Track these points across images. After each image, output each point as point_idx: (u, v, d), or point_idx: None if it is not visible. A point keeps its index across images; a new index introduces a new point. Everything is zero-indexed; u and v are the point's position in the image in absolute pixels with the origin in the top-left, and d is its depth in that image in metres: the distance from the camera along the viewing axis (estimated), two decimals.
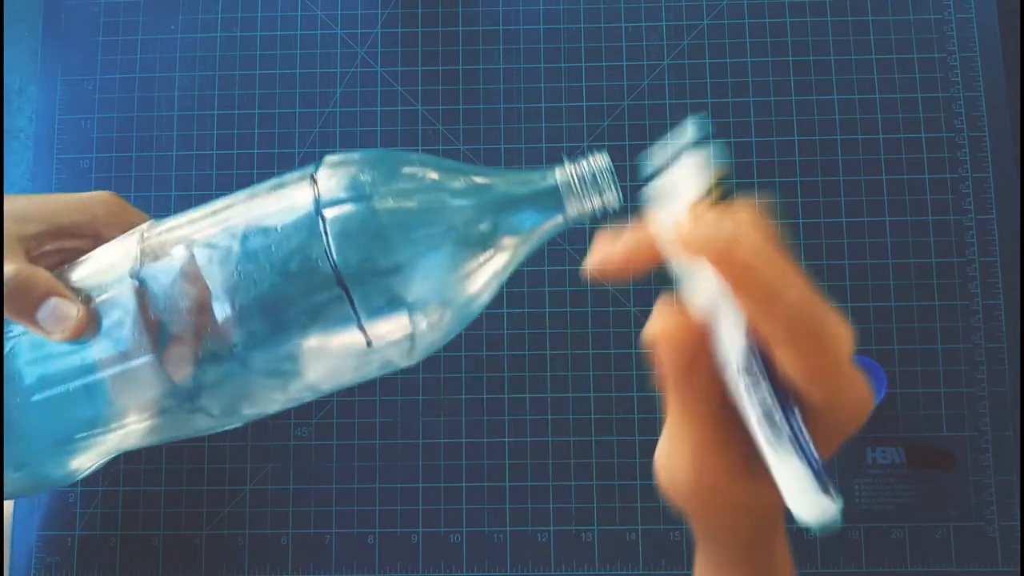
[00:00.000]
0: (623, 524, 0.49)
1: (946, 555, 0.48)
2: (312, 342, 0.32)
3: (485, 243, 0.32)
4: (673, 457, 0.25)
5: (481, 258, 0.32)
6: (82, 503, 0.50)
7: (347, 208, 0.31)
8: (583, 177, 0.32)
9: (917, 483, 0.48)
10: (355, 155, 0.34)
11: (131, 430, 0.35)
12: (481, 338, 0.50)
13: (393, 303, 0.31)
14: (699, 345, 0.24)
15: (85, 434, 0.35)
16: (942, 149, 0.51)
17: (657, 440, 0.27)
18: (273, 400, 0.35)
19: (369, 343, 0.32)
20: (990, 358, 0.49)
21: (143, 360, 0.32)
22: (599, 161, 0.33)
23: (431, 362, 0.50)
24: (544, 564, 0.49)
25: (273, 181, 0.34)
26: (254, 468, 0.50)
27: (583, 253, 0.51)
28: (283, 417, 0.50)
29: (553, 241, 0.50)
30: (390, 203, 0.31)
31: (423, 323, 0.32)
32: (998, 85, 0.52)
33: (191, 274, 0.32)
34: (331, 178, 0.32)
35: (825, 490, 0.22)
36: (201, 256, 0.32)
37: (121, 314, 0.33)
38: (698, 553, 0.30)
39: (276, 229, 0.31)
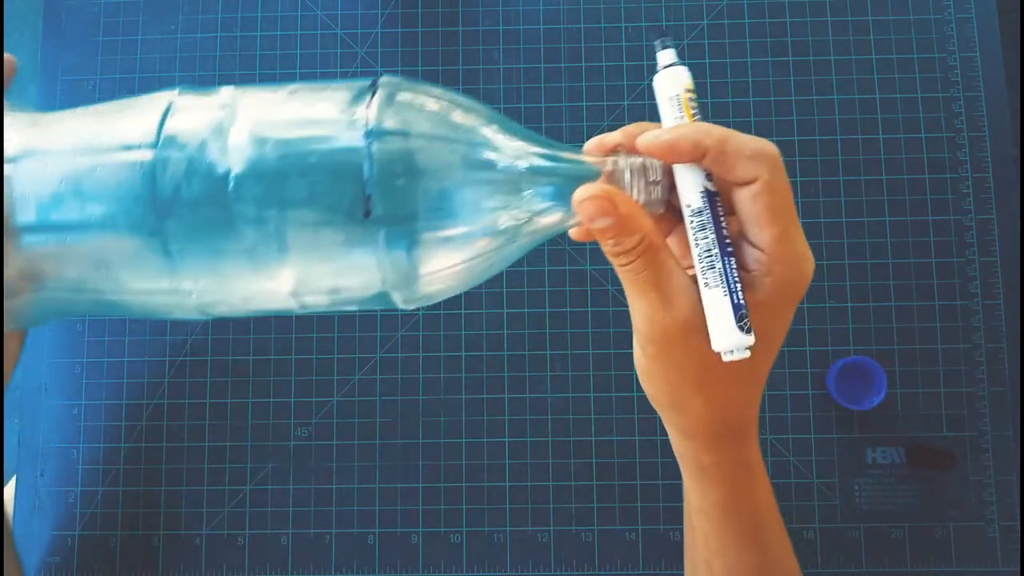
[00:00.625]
0: (623, 524, 0.49)
1: (946, 555, 0.48)
2: (310, 216, 0.31)
3: (516, 207, 0.32)
4: (635, 318, 0.29)
5: (507, 217, 0.32)
6: (82, 503, 0.50)
7: (393, 141, 0.31)
8: (635, 170, 0.32)
9: (917, 483, 0.48)
10: (425, 89, 0.33)
11: (83, 246, 0.33)
12: (481, 338, 0.50)
13: (407, 229, 0.31)
14: (630, 207, 0.28)
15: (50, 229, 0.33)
16: (942, 149, 0.51)
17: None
18: (237, 272, 0.32)
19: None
20: (990, 358, 0.49)
21: (141, 153, 0.32)
22: (655, 162, 0.33)
23: (431, 362, 0.50)
24: (544, 564, 0.49)
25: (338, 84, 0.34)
26: (254, 468, 0.50)
27: (583, 253, 0.51)
28: (283, 417, 0.50)
29: (553, 241, 0.50)
30: (436, 146, 0.31)
31: (426, 262, 0.32)
32: (998, 85, 0.52)
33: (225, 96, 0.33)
34: (388, 105, 0.32)
35: (742, 326, 0.27)
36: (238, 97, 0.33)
37: (146, 113, 0.33)
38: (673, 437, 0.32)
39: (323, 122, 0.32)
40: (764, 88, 0.52)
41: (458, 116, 0.32)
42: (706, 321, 0.27)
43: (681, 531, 0.48)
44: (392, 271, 0.31)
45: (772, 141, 0.52)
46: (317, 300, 0.34)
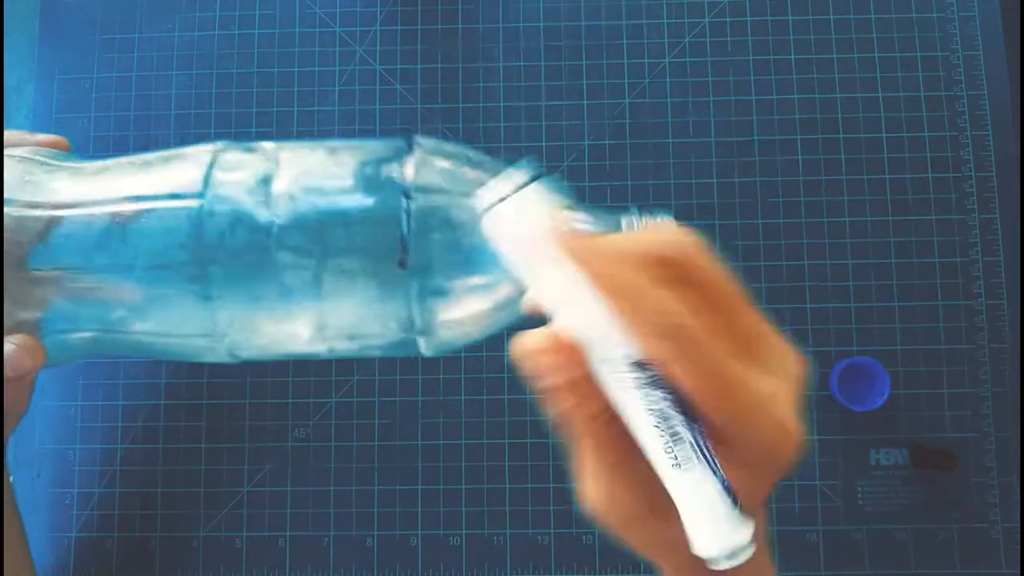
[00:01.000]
0: None
1: (949, 557, 0.48)
2: (348, 264, 0.32)
3: None
4: (587, 490, 0.23)
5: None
6: (79, 505, 0.50)
7: (429, 197, 0.33)
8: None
9: (920, 484, 0.48)
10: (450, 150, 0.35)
11: (125, 290, 0.34)
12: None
13: (439, 279, 0.32)
14: (576, 359, 0.21)
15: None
16: (945, 148, 0.51)
17: None
18: (273, 318, 0.33)
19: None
20: (993, 359, 0.49)
21: (187, 202, 0.33)
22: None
23: (430, 363, 0.50)
24: (544, 567, 0.48)
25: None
26: (251, 470, 0.50)
27: None
28: (281, 418, 0.50)
29: None
30: (467, 202, 0.33)
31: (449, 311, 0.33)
32: (1001, 84, 0.51)
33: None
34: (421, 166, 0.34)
35: (737, 509, 0.20)
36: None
37: (192, 165, 0.35)
38: None
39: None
40: (766, 86, 0.52)
41: (484, 175, 0.34)
42: (681, 517, 0.20)
43: None
44: (421, 318, 0.33)
45: (774, 140, 0.52)
46: (347, 346, 0.35)
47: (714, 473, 0.20)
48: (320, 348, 0.35)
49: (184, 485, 0.50)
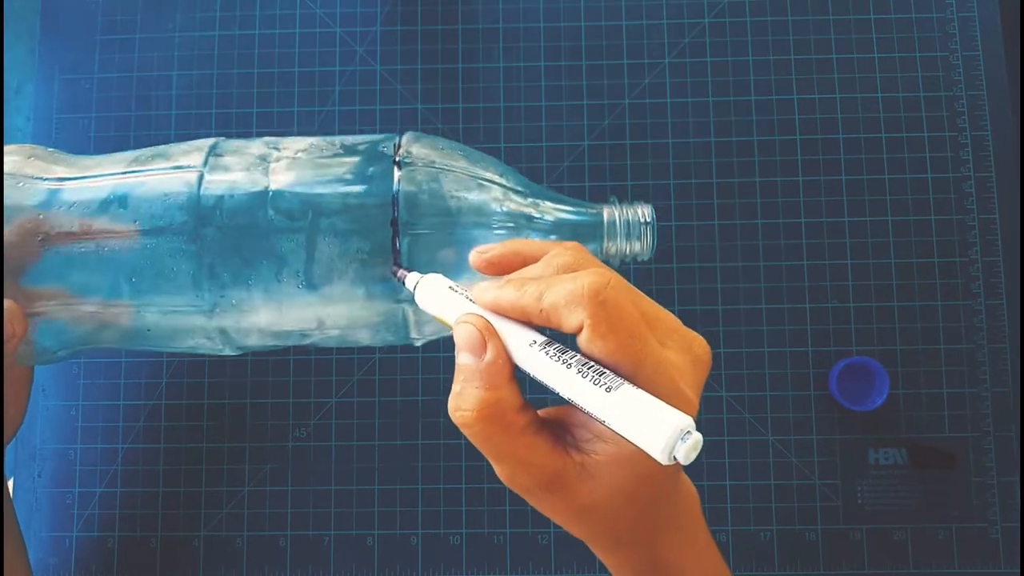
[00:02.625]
0: None
1: (948, 556, 0.48)
2: (345, 226, 0.34)
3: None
4: (503, 476, 0.27)
5: None
6: (80, 504, 0.50)
7: (417, 172, 0.34)
8: (628, 221, 0.35)
9: (919, 484, 0.48)
10: (439, 142, 0.37)
11: (122, 255, 0.35)
12: None
13: (426, 259, 0.33)
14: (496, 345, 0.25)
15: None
16: (944, 148, 0.51)
17: None
18: (265, 289, 0.34)
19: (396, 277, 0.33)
20: (993, 358, 0.49)
21: (189, 172, 0.35)
22: (646, 212, 0.35)
23: (430, 362, 0.50)
24: (544, 566, 0.48)
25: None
26: (252, 469, 0.50)
27: None
28: (281, 418, 0.50)
29: None
30: (449, 185, 0.34)
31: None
32: (1001, 84, 0.51)
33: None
34: (411, 146, 0.36)
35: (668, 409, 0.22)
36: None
37: (194, 149, 0.37)
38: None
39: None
40: (766, 87, 0.52)
41: (476, 168, 0.35)
42: (625, 432, 0.23)
43: None
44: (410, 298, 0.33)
45: (774, 140, 0.52)
46: (336, 320, 0.35)
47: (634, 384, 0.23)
48: (312, 326, 0.36)
49: (185, 484, 0.50)
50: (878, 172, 0.51)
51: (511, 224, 0.35)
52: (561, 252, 0.27)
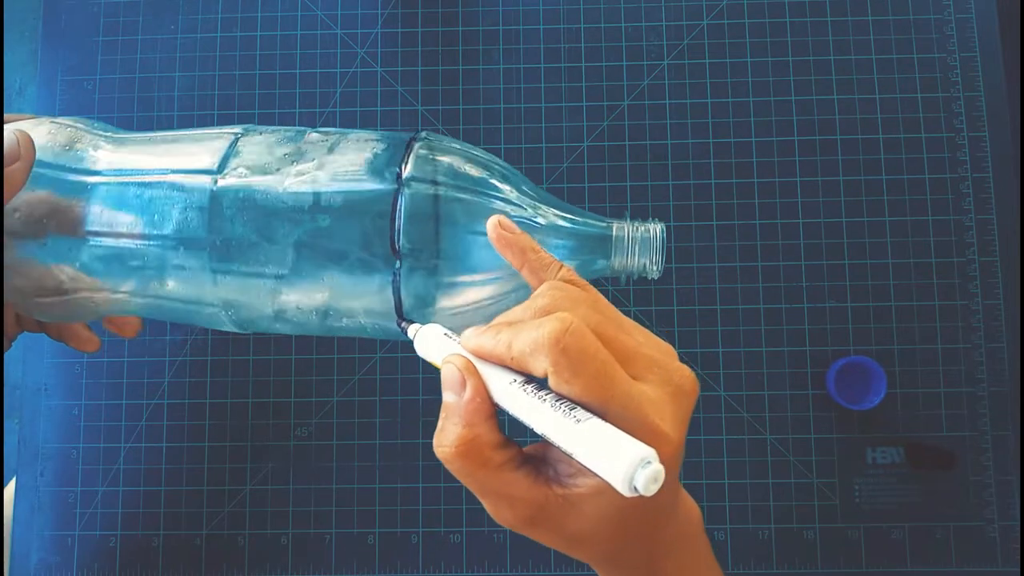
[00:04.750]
0: None
1: (946, 555, 0.48)
2: (340, 234, 0.34)
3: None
4: (490, 509, 0.28)
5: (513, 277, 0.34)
6: (82, 503, 0.50)
7: (421, 187, 0.34)
8: (637, 238, 0.35)
9: (917, 483, 0.48)
10: (449, 147, 0.37)
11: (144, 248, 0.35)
12: None
13: (427, 266, 0.34)
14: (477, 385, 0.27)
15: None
16: (942, 149, 0.51)
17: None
18: (261, 258, 0.35)
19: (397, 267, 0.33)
20: (990, 358, 0.49)
21: (206, 177, 0.35)
22: (657, 231, 0.35)
23: None
24: (544, 564, 0.49)
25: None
26: (254, 468, 0.50)
27: None
28: (283, 417, 0.50)
29: None
30: (457, 199, 0.34)
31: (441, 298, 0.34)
32: (998, 85, 0.52)
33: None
34: (419, 162, 0.35)
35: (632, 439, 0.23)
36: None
37: (215, 143, 0.37)
38: None
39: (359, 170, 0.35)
40: (764, 88, 0.52)
41: (480, 171, 0.36)
42: (588, 464, 0.24)
43: None
44: (409, 301, 0.34)
45: (772, 141, 0.52)
46: (314, 303, 0.36)
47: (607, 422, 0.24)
48: (311, 318, 0.36)
49: (187, 483, 0.50)
50: (875, 173, 0.51)
51: (525, 222, 0.35)
52: (544, 292, 0.28)
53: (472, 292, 0.34)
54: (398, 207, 0.33)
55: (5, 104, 0.55)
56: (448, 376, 0.27)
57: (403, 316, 0.34)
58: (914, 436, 0.49)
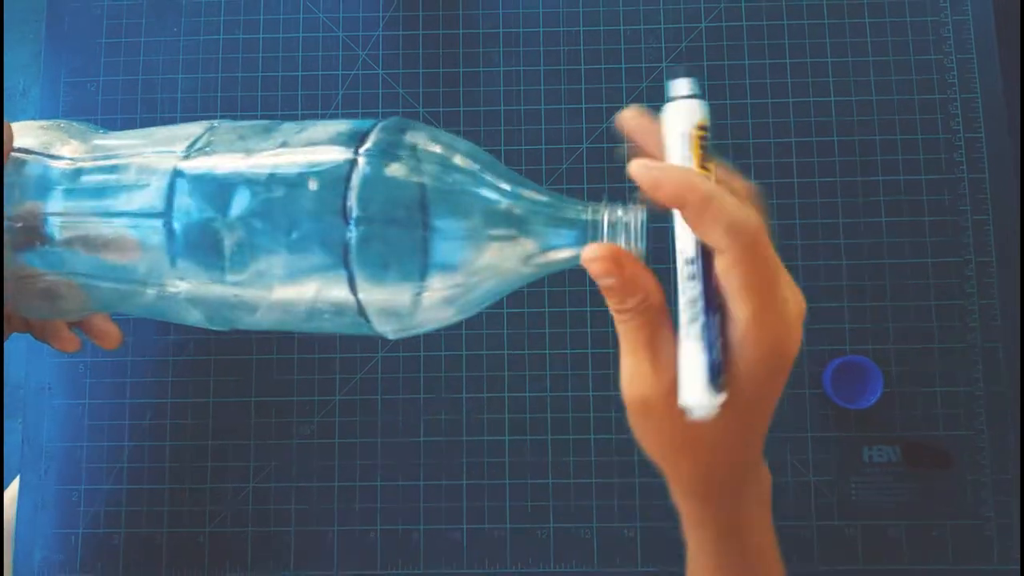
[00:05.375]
0: (621, 521, 0.49)
1: (943, 553, 0.48)
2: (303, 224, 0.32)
3: (499, 244, 0.33)
4: (621, 375, 0.29)
5: (486, 257, 0.33)
6: (86, 501, 0.50)
7: (386, 164, 0.33)
8: (616, 223, 0.34)
9: (914, 482, 0.49)
10: (419, 127, 0.35)
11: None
12: (482, 337, 0.51)
13: (388, 263, 0.32)
14: (634, 268, 0.28)
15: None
16: (939, 150, 0.51)
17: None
18: (231, 260, 0.34)
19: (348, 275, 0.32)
20: (986, 357, 0.50)
21: (167, 161, 0.35)
22: (637, 214, 0.34)
23: (432, 360, 0.51)
24: (544, 560, 0.49)
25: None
26: (257, 466, 0.50)
27: None
28: (286, 415, 0.50)
29: None
30: (427, 179, 0.33)
31: (406, 295, 0.33)
32: (994, 87, 0.52)
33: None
34: (383, 135, 0.34)
35: (714, 383, 0.25)
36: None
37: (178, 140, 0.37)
38: (682, 520, 0.32)
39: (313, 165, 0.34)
40: (762, 90, 0.52)
41: (458, 159, 0.34)
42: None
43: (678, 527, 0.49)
44: (382, 299, 0.33)
45: (769, 143, 0.52)
46: (296, 307, 0.35)
47: (710, 350, 0.26)
48: (271, 317, 0.35)
49: (190, 481, 0.50)
50: (873, 174, 0.51)
51: (495, 217, 0.34)
52: (740, 180, 0.28)
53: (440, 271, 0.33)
54: (354, 173, 0.32)
55: (8, 106, 0.55)
56: (598, 270, 0.28)
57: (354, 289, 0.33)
58: (911, 435, 0.49)
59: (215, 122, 0.38)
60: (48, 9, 0.55)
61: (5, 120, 0.36)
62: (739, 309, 0.26)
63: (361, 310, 0.34)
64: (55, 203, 0.36)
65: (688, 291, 0.27)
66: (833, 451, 0.49)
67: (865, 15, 0.53)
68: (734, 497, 0.30)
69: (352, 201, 0.32)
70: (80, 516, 0.50)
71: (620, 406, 0.50)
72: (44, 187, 0.36)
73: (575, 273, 0.51)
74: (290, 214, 0.33)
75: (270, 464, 0.50)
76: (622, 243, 0.34)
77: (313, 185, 0.33)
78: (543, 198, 0.35)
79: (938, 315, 0.50)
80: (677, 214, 0.27)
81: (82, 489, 0.50)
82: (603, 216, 0.34)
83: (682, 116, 0.28)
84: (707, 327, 0.26)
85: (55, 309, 0.38)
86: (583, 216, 0.34)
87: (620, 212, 0.34)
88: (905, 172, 0.51)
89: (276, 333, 0.51)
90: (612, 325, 0.52)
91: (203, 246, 0.34)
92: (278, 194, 0.33)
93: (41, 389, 0.52)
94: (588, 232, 0.34)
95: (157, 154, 0.36)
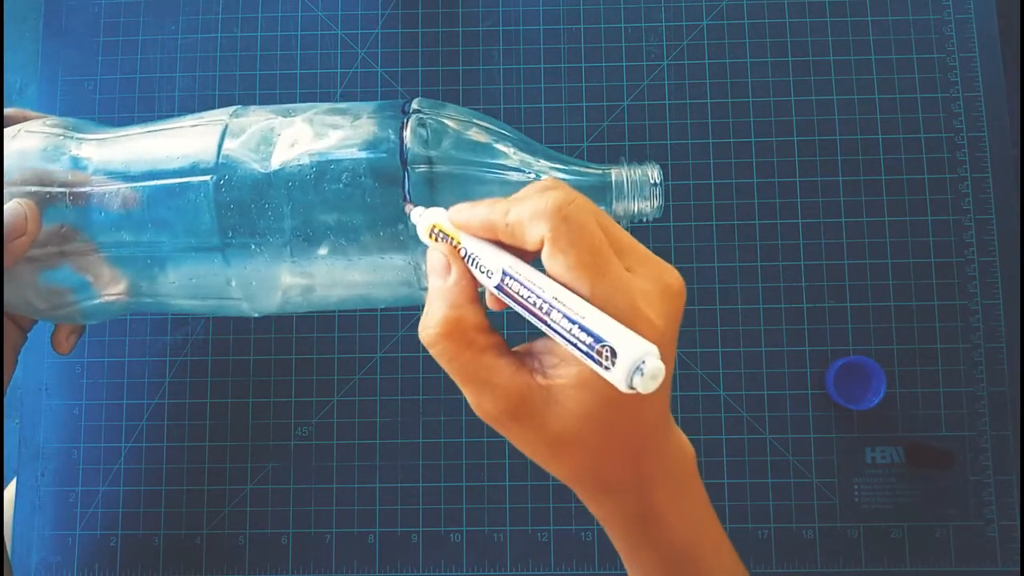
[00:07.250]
0: None
1: (945, 554, 0.48)
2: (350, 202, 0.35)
3: None
4: (474, 402, 0.27)
5: None
6: (83, 503, 0.50)
7: (426, 118, 0.36)
8: (636, 181, 0.36)
9: (916, 483, 0.49)
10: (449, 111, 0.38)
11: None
12: None
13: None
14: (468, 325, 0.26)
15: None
16: (941, 149, 0.51)
17: None
18: (277, 228, 0.35)
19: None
20: (989, 358, 0.49)
21: (201, 176, 0.36)
22: (654, 173, 0.36)
23: (431, 361, 0.50)
24: (544, 563, 0.49)
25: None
26: (254, 468, 0.50)
27: None
28: (283, 416, 0.50)
29: None
30: (453, 158, 0.35)
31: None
32: (997, 85, 0.52)
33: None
34: (419, 125, 0.36)
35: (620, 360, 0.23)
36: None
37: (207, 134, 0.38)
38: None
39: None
40: (763, 88, 0.52)
41: (477, 133, 0.36)
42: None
43: None
44: (419, 265, 0.35)
45: (771, 141, 0.52)
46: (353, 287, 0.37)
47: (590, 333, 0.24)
48: (331, 295, 0.37)
49: (188, 483, 0.50)
50: (875, 173, 0.51)
51: (520, 173, 0.35)
52: (545, 181, 0.27)
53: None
54: (406, 129, 0.35)
55: (5, 104, 0.55)
56: (433, 260, 0.27)
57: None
58: (913, 436, 0.49)
59: (223, 117, 0.39)
60: (46, 7, 0.55)
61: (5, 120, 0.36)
62: (583, 293, 0.24)
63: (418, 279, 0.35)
64: (95, 171, 0.37)
65: (545, 285, 0.25)
66: (835, 452, 0.49)
67: (868, 13, 0.53)
68: (638, 488, 0.28)
69: (408, 190, 0.34)
70: (77, 518, 0.50)
71: None
72: (80, 158, 0.37)
73: None
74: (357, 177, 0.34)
75: (268, 466, 0.50)
76: (642, 203, 0.36)
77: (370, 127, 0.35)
78: (561, 165, 0.37)
79: (941, 315, 0.50)
80: (479, 246, 0.27)
81: (79, 490, 0.50)
82: (624, 177, 0.36)
83: (429, 216, 0.30)
84: (569, 318, 0.24)
85: (63, 302, 0.38)
86: (605, 179, 0.36)
87: (641, 171, 0.36)
88: (908, 171, 0.51)
89: (285, 320, 0.51)
90: None
91: (255, 243, 0.35)
92: (331, 176, 0.34)
93: (38, 389, 0.51)
94: (614, 191, 0.36)
95: (198, 121, 0.38)
